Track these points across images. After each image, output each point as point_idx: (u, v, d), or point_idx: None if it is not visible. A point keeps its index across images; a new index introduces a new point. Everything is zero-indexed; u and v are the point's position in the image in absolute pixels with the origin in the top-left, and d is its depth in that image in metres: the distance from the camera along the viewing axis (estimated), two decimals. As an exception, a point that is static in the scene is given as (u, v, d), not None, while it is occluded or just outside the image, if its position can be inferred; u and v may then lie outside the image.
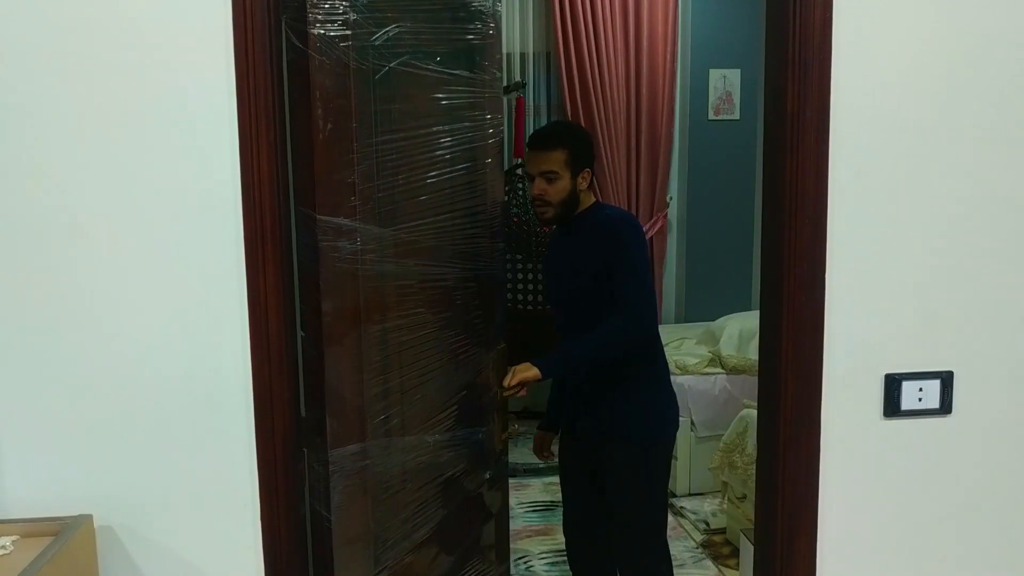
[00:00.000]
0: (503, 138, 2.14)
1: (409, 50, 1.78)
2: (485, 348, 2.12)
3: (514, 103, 4.53)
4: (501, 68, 2.05)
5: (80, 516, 1.53)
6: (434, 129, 1.85)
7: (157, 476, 1.57)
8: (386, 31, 1.71)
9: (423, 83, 1.83)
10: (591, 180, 2.34)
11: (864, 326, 1.67)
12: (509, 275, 4.30)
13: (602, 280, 2.23)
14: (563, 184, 2.26)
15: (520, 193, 4.31)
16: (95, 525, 1.55)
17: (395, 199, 1.77)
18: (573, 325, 2.33)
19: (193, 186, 1.52)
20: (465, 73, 1.91)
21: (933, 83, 1.63)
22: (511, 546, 3.46)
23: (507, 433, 2.23)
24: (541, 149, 2.27)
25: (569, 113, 4.75)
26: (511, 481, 4.12)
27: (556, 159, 2.25)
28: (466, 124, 1.94)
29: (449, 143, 1.89)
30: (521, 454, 4.39)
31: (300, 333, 1.64)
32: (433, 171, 1.86)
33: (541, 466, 4.25)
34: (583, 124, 4.75)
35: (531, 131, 4.91)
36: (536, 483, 4.09)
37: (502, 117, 2.10)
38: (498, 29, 1.99)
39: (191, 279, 1.54)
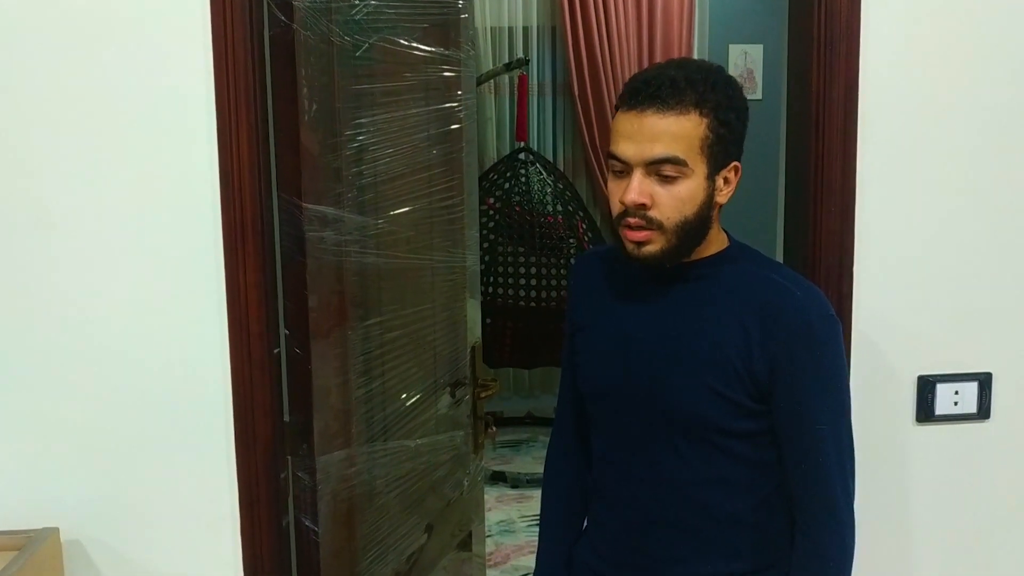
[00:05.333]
0: (477, 119, 2.08)
1: (388, 25, 1.79)
2: (463, 345, 2.14)
3: (516, 81, 4.53)
4: (474, 45, 2.05)
5: (45, 529, 1.53)
6: (412, 111, 1.86)
7: (129, 486, 1.58)
8: (365, 4, 1.72)
9: (401, 61, 1.85)
10: (735, 187, 1.36)
11: (895, 324, 1.67)
12: (510, 269, 4.31)
13: (743, 399, 1.33)
14: (691, 188, 1.29)
15: (523, 180, 4.31)
16: (62, 539, 1.56)
17: (376, 186, 1.78)
18: (643, 460, 1.41)
19: (167, 174, 1.52)
20: (440, 50, 1.93)
21: (969, 59, 1.63)
22: (514, 562, 3.48)
23: (484, 437, 2.24)
24: (656, 108, 1.26)
25: (576, 92, 4.75)
26: (512, 492, 4.16)
27: (683, 131, 1.26)
28: (442, 105, 1.95)
29: (426, 125, 1.91)
30: (523, 463, 4.40)
31: (284, 331, 1.65)
32: (411, 155, 1.87)
33: (546, 476, 4.26)
34: (590, 105, 4.75)
35: (535, 113, 4.91)
36: (539, 495, 4.11)
37: (475, 97, 2.08)
38: (470, 3, 2.00)
39: (165, 275, 1.54)
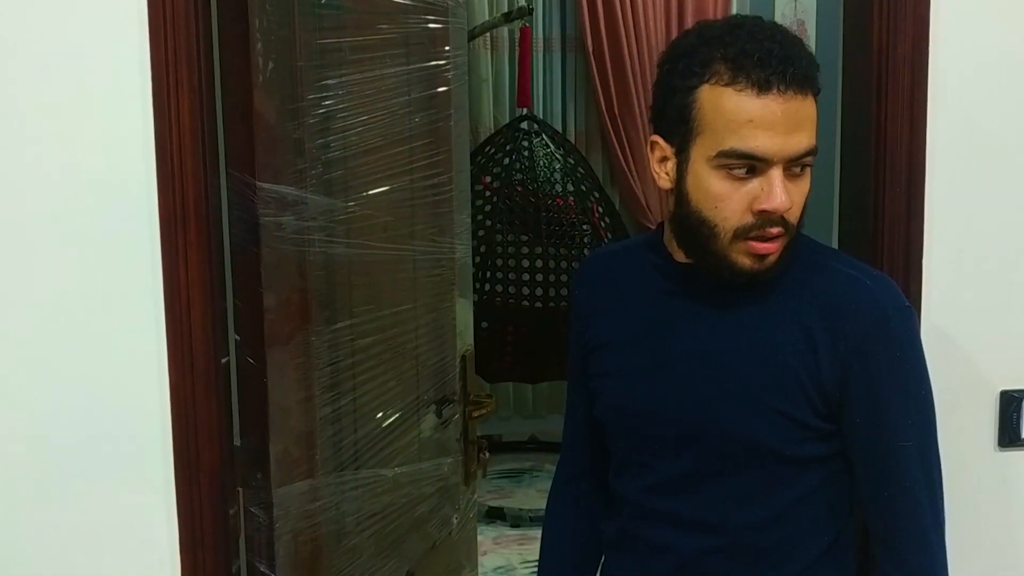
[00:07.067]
0: (469, 81, 2.08)
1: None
2: (451, 354, 2.14)
3: (518, 35, 4.53)
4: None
5: (-53, 577, 1.54)
6: (389, 70, 1.86)
7: (44, 526, 1.58)
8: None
9: (376, 10, 1.85)
10: None
11: (972, 329, 1.68)
12: (511, 262, 4.32)
13: (810, 418, 1.33)
14: (810, 180, 1.32)
15: (526, 154, 4.32)
16: (-34, 588, 1.56)
17: (346, 161, 1.79)
18: (688, 503, 1.40)
19: (91, 147, 1.52)
20: None
21: (1065, 8, 1.63)
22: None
23: (477, 465, 2.24)
24: (796, 88, 1.24)
25: (591, 49, 4.75)
26: (512, 533, 4.16)
27: (815, 115, 1.29)
28: (426, 63, 1.95)
29: (406, 87, 1.91)
30: (526, 498, 4.41)
31: (234, 337, 1.65)
32: (388, 124, 1.87)
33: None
34: (607, 64, 4.75)
35: (540, 73, 4.91)
36: (546, 535, 4.12)
37: (466, 54, 2.08)
38: None
39: (89, 270, 1.54)
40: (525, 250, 4.31)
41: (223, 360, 1.61)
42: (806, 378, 1.30)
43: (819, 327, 1.30)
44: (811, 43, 5.02)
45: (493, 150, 4.39)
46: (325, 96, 1.74)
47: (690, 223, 1.30)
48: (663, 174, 1.34)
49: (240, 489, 1.68)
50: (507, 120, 4.65)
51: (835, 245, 1.81)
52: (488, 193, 4.33)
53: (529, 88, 4.48)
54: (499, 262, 4.33)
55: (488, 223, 4.29)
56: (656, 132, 1.34)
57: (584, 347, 1.50)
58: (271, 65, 1.63)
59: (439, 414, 2.11)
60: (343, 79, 1.77)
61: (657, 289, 1.42)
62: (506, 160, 4.34)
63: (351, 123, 1.80)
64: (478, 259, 4.19)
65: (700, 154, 1.27)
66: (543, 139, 4.35)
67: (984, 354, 1.68)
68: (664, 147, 1.33)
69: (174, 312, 1.54)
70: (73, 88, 1.51)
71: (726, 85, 1.24)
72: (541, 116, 4.69)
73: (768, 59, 1.22)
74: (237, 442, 1.67)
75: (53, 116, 1.51)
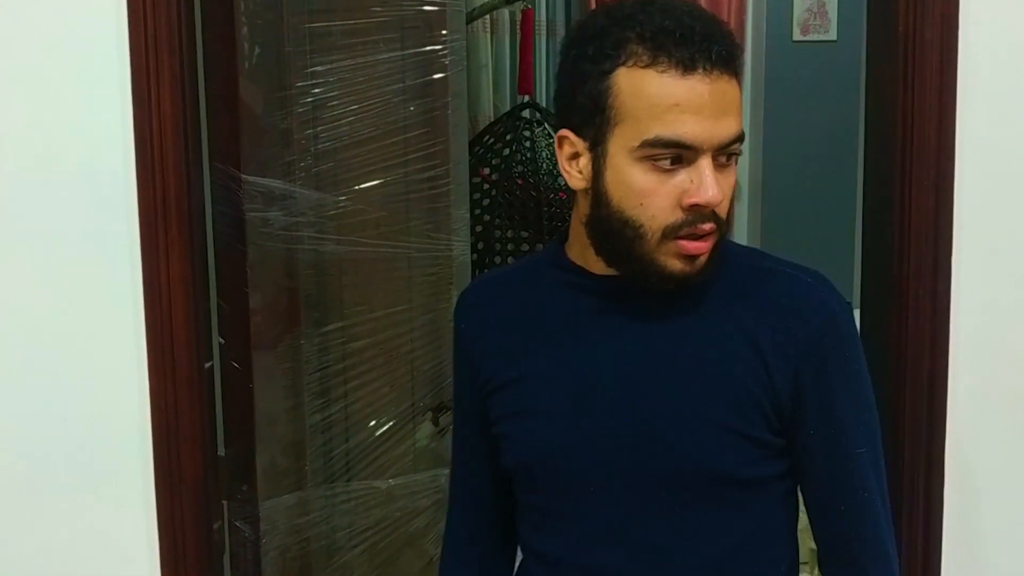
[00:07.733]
0: (467, 67, 2.05)
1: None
2: (449, 357, 2.14)
3: (519, 18, 4.53)
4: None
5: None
6: (383, 56, 1.87)
7: (17, 542, 1.58)
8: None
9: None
10: None
11: (1004, 332, 1.67)
12: (511, 259, 4.31)
13: (763, 434, 1.28)
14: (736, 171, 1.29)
15: (527, 144, 4.32)
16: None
17: (336, 153, 1.79)
18: (627, 549, 1.31)
19: (67, 138, 1.52)
20: None
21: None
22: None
23: None
24: (722, 69, 1.19)
25: (596, 32, 4.74)
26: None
27: (740, 98, 1.24)
28: (422, 48, 1.95)
29: (401, 74, 1.91)
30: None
31: (218, 340, 1.65)
32: (382, 113, 1.88)
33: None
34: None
35: (543, 58, 4.91)
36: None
37: (464, 38, 2.07)
38: None
39: (65, 269, 1.54)
40: (526, 247, 4.29)
41: (206, 365, 1.61)
42: (758, 390, 1.25)
43: (765, 333, 1.26)
44: (832, 28, 5.03)
45: (492, 140, 4.38)
46: (314, 84, 1.75)
47: (611, 226, 1.22)
48: (575, 173, 1.25)
49: (225, 502, 1.68)
50: (507, 108, 4.63)
51: (858, 243, 1.81)
52: (487, 186, 4.31)
53: (531, 74, 4.47)
54: (498, 259, 4.32)
55: (487, 218, 4.28)
56: (564, 126, 1.26)
57: (481, 390, 1.39)
58: (257, 51, 1.63)
59: (436, 422, 2.11)
60: (333, 66, 1.77)
61: (574, 310, 1.33)
62: (506, 151, 4.32)
63: (342, 112, 1.80)
64: (476, 256, 4.18)
65: (620, 146, 1.19)
66: (546, 128, 4.33)
67: (1017, 358, 1.68)
68: (575, 142, 1.24)
69: (154, 314, 1.54)
70: (47, 75, 1.51)
71: (646, 67, 1.17)
72: (544, 104, 4.68)
73: (690, 36, 1.17)
74: (221, 452, 1.67)
75: (25, 105, 1.51)
